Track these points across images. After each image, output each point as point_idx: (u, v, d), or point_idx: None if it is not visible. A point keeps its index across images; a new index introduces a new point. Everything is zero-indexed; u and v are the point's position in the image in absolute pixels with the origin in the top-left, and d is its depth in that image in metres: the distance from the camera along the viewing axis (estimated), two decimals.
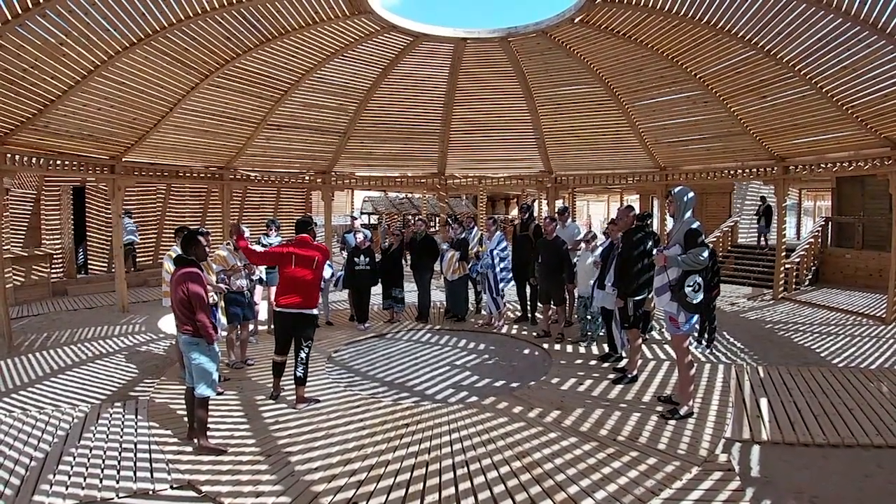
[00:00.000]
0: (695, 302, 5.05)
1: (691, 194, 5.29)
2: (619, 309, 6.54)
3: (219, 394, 5.57)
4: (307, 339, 5.70)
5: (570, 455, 4.50)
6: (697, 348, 7.63)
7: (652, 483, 4.02)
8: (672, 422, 5.13)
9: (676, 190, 5.32)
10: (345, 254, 9.89)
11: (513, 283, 9.78)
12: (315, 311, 5.85)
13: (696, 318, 5.27)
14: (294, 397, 5.72)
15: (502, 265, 9.00)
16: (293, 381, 5.69)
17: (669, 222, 5.79)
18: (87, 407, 5.65)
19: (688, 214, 5.24)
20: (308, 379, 5.90)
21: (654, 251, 5.47)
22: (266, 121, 11.42)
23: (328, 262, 8.88)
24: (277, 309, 5.73)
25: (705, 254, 4.95)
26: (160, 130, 10.31)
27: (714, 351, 7.62)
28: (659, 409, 5.46)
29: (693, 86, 10.05)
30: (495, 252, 8.92)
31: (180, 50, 8.49)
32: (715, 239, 16.21)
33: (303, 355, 5.66)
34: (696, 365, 5.74)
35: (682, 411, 5.23)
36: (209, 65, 9.21)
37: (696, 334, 7.79)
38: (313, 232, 6.01)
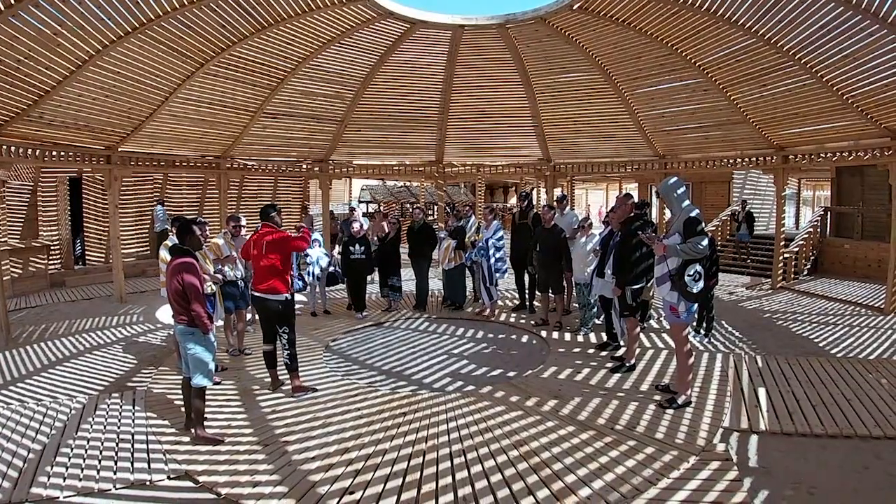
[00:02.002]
0: (695, 291, 5.04)
1: (682, 189, 5.25)
2: (617, 297, 6.53)
3: (215, 383, 5.57)
4: (280, 325, 5.70)
5: (567, 444, 4.51)
6: (696, 338, 7.63)
7: (649, 472, 4.02)
8: (670, 411, 5.13)
9: (663, 189, 5.29)
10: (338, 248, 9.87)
11: (511, 271, 9.79)
12: (279, 297, 5.67)
13: (695, 306, 5.26)
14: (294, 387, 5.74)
15: (498, 255, 8.98)
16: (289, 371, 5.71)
17: (668, 211, 5.75)
18: (84, 398, 5.65)
19: (686, 203, 5.21)
20: (305, 367, 5.89)
21: (647, 236, 5.42)
22: (263, 109, 11.34)
23: (321, 252, 8.90)
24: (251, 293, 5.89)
25: (704, 242, 4.92)
26: (156, 120, 10.24)
27: (712, 340, 7.62)
28: (657, 397, 5.46)
29: (692, 74, 9.98)
30: (491, 241, 8.90)
31: (175, 39, 8.41)
32: (713, 228, 16.18)
33: (283, 342, 5.68)
34: (694, 354, 5.73)
35: (680, 400, 5.23)
36: (205, 53, 9.14)
37: (694, 324, 7.80)
38: (273, 219, 5.88)
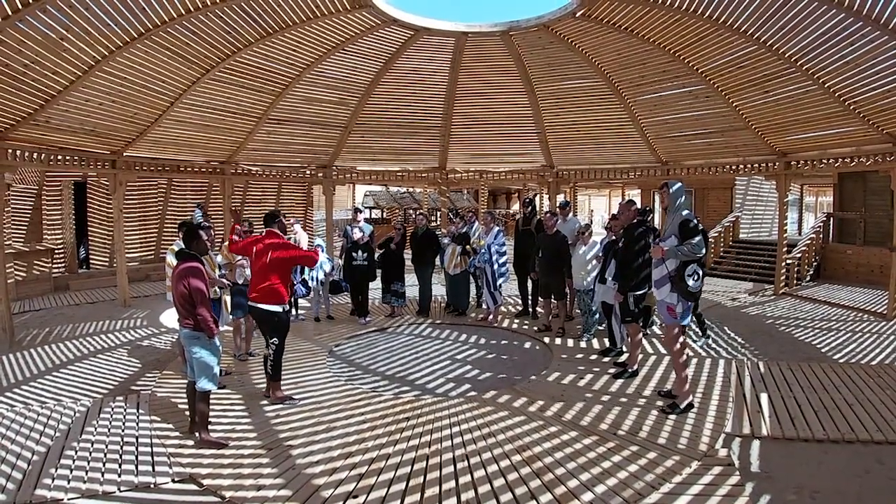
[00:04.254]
0: (695, 291, 5.13)
1: (684, 197, 5.35)
2: (619, 303, 6.54)
3: (220, 387, 5.59)
4: (270, 336, 5.57)
5: (570, 449, 4.52)
6: (698, 342, 7.67)
7: (652, 477, 4.03)
8: (672, 416, 5.14)
9: (675, 187, 5.32)
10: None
11: (514, 277, 9.80)
12: (273, 308, 5.55)
13: (690, 307, 5.29)
14: (299, 394, 5.76)
15: (501, 260, 9.00)
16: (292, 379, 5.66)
17: None
18: (88, 401, 5.67)
19: (681, 209, 5.24)
20: (308, 372, 5.86)
21: (652, 243, 5.47)
22: (267, 115, 11.40)
23: (324, 257, 8.93)
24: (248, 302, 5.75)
25: (699, 239, 5.00)
26: (161, 125, 10.31)
27: (714, 346, 7.62)
28: (659, 403, 5.47)
29: (695, 80, 10.02)
30: (493, 247, 8.91)
31: (181, 45, 8.47)
32: (717, 234, 16.20)
33: (269, 352, 5.57)
34: (687, 355, 5.71)
35: (683, 405, 5.24)
36: (210, 59, 9.20)
37: (696, 328, 7.85)
38: (281, 225, 5.85)
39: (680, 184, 5.38)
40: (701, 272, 5.14)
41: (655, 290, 5.41)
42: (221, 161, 12.53)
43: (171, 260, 5.71)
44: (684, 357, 5.41)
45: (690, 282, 5.04)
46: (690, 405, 5.27)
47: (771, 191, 17.28)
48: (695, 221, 5.14)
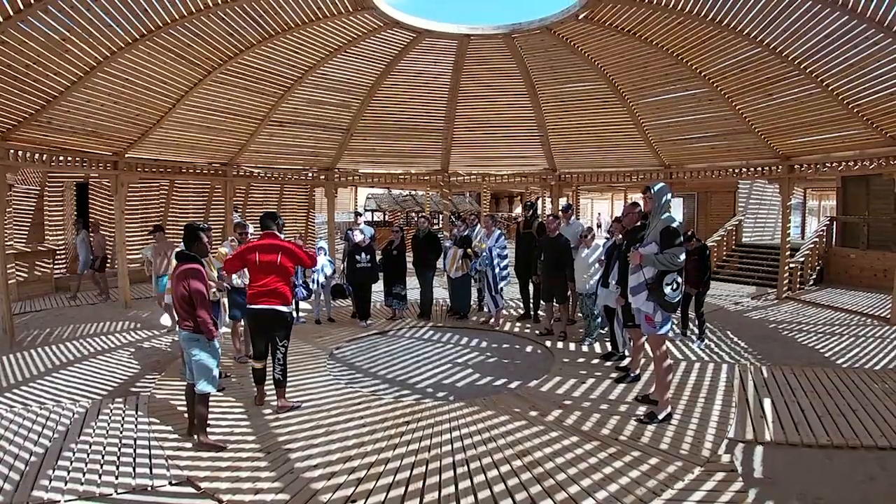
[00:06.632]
0: (673, 301, 4.96)
1: (670, 195, 5.15)
2: (622, 307, 6.50)
3: (220, 390, 5.56)
4: (281, 338, 5.48)
5: (571, 454, 4.48)
6: (695, 344, 7.65)
7: (654, 483, 3.99)
8: (674, 421, 5.08)
9: (657, 188, 5.12)
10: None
11: (516, 280, 9.77)
12: (286, 310, 5.55)
13: (671, 318, 5.15)
14: (298, 397, 5.69)
15: (503, 263, 8.97)
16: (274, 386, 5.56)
17: None
18: (87, 402, 5.66)
19: (665, 214, 5.08)
20: (309, 375, 5.81)
21: (631, 248, 5.32)
22: (269, 117, 11.40)
23: (326, 259, 8.89)
24: (248, 307, 5.56)
25: (682, 256, 4.86)
26: (163, 127, 10.30)
27: (717, 350, 7.58)
28: (640, 411, 5.38)
29: (698, 83, 9.98)
30: (494, 250, 8.89)
31: (183, 46, 8.47)
32: (719, 238, 16.14)
33: (279, 356, 5.48)
34: (673, 369, 5.60)
35: (661, 415, 5.11)
36: (212, 61, 9.20)
37: (695, 330, 7.81)
38: (279, 227, 5.80)
39: (663, 184, 5.22)
40: (680, 281, 4.97)
41: (631, 298, 5.26)
42: (223, 163, 12.53)
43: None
44: (671, 375, 5.30)
45: (668, 291, 4.88)
46: (669, 416, 5.15)
47: (774, 194, 17.23)
48: (678, 229, 4.95)
